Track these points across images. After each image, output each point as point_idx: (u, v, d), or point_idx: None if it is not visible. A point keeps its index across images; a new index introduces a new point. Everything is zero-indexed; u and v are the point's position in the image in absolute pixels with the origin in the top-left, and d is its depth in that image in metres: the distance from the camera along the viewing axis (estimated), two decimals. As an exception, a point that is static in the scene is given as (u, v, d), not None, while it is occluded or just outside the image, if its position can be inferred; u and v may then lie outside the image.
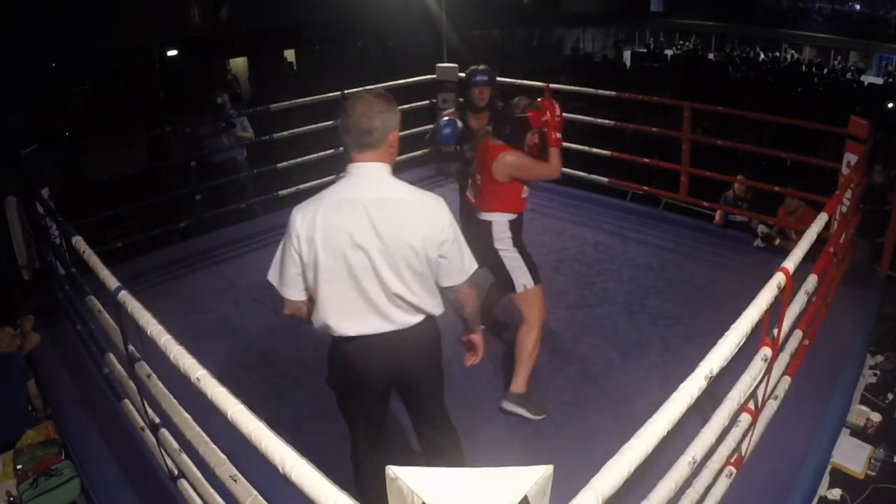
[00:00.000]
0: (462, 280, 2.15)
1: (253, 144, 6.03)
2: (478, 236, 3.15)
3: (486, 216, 3.24)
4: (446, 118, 3.94)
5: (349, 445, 2.43)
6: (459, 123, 3.88)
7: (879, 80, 20.11)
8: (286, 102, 5.63)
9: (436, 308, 2.17)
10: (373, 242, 2.00)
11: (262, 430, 1.48)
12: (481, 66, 4.07)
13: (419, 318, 2.14)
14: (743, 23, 23.80)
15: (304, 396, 3.43)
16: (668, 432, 1.52)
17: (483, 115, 4.06)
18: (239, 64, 15.56)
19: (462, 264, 2.14)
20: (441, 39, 6.76)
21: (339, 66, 15.88)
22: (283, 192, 5.52)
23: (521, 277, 3.24)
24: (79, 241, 2.76)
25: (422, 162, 6.61)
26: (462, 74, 3.87)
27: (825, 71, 20.74)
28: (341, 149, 5.73)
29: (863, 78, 19.92)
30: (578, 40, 25.25)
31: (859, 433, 3.32)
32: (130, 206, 5.03)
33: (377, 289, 2.04)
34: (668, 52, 24.81)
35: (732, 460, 2.48)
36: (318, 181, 5.77)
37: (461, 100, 4.08)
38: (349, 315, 2.08)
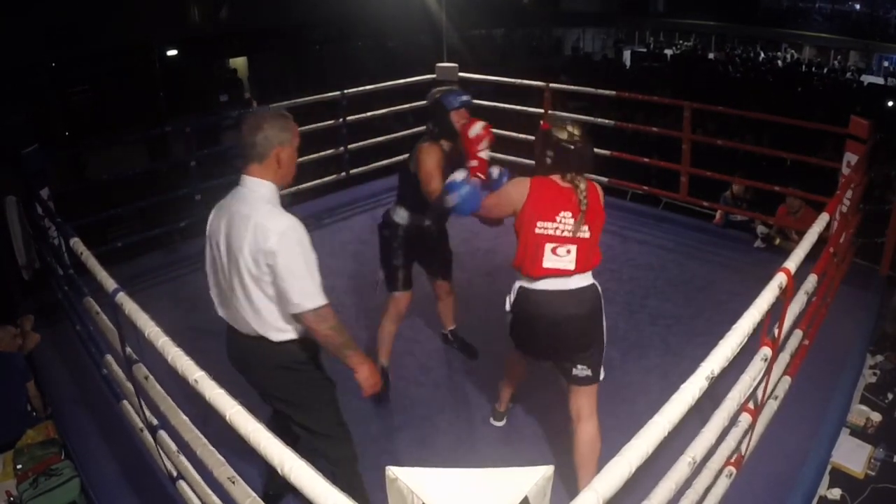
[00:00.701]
0: (296, 311, 2.10)
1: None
2: None
3: None
4: (462, 181, 2.74)
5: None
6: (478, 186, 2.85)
7: (881, 80, 20.12)
8: (286, 102, 5.63)
9: (270, 333, 2.20)
10: (224, 247, 2.21)
11: (261, 431, 1.47)
12: (452, 87, 3.55)
13: (265, 333, 2.19)
14: (743, 23, 23.80)
15: (304, 397, 3.42)
16: (669, 432, 1.51)
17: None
18: (239, 64, 15.55)
19: (291, 295, 2.07)
20: (441, 39, 6.76)
21: (339, 66, 15.87)
22: (282, 192, 5.51)
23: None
24: (77, 243, 2.75)
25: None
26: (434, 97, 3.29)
27: (825, 71, 20.74)
28: (341, 149, 5.74)
29: (863, 77, 19.90)
30: (578, 40, 25.26)
31: (859, 433, 3.31)
32: (130, 206, 5.03)
33: (231, 290, 2.22)
34: (668, 52, 24.81)
35: (732, 460, 2.48)
36: (318, 181, 5.78)
37: (434, 129, 3.26)
38: (220, 305, 2.37)
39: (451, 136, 3.13)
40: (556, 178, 2.51)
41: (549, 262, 2.46)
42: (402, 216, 3.27)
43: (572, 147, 2.46)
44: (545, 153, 2.52)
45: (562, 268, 2.48)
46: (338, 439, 2.41)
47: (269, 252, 2.03)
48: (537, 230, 2.45)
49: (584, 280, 2.59)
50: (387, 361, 3.42)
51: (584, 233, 2.54)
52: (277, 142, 2.12)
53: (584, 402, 2.66)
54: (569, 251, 2.49)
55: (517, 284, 2.59)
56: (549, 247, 2.46)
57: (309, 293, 2.09)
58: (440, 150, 3.11)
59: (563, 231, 2.46)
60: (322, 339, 2.17)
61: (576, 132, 2.48)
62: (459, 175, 2.69)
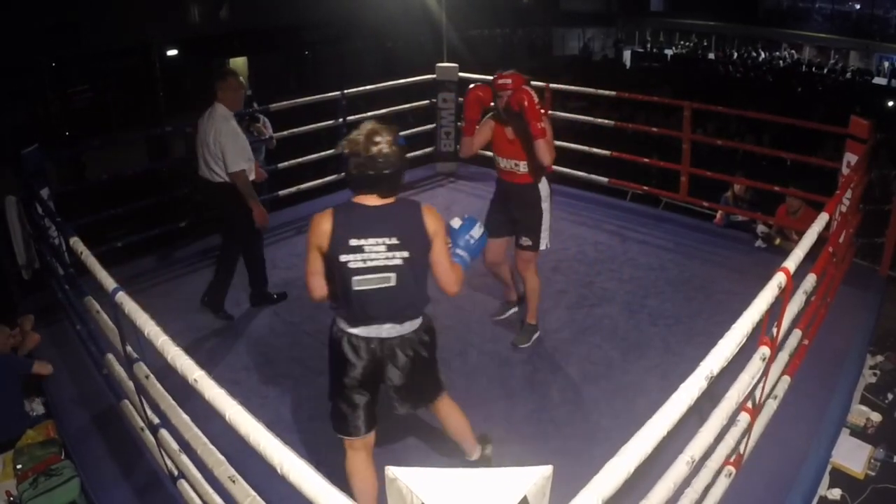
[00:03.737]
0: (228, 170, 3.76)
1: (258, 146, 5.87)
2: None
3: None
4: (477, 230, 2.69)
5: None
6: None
7: (883, 81, 20.13)
8: (286, 102, 5.62)
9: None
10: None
11: (260, 431, 1.47)
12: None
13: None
14: (743, 23, 23.81)
15: (304, 396, 3.42)
16: (668, 432, 1.52)
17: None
18: (239, 64, 15.56)
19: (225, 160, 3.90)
20: (441, 39, 6.76)
21: (339, 66, 15.88)
22: (282, 192, 5.52)
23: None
24: (77, 242, 2.76)
25: (422, 161, 6.62)
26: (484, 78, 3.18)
27: (825, 71, 20.74)
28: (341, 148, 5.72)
29: (861, 78, 19.90)
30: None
31: (859, 433, 3.31)
32: (130, 206, 5.03)
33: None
34: (668, 52, 24.81)
35: (731, 460, 2.48)
36: (318, 181, 5.79)
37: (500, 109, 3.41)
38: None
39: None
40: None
41: None
42: None
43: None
44: None
45: None
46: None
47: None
48: None
49: None
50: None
51: None
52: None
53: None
54: None
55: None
56: None
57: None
58: None
59: None
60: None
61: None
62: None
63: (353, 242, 2.13)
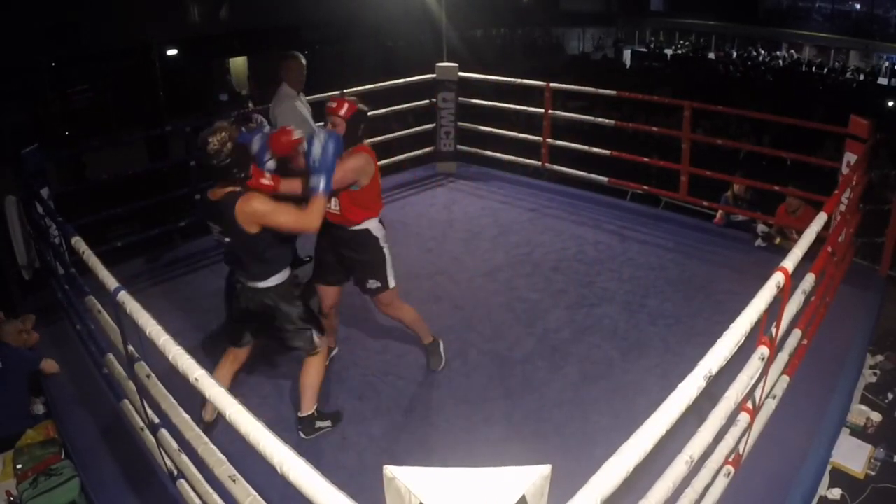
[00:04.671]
0: None
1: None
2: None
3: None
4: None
5: (349, 446, 2.42)
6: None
7: (884, 81, 20.12)
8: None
9: None
10: None
11: (260, 430, 1.48)
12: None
13: None
14: (743, 23, 23.81)
15: (304, 396, 3.43)
16: (667, 431, 1.52)
17: None
18: (239, 64, 15.56)
19: None
20: (441, 39, 6.76)
21: (339, 66, 15.87)
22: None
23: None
24: (78, 242, 2.76)
25: (422, 161, 6.62)
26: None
27: (825, 71, 20.73)
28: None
29: (865, 78, 19.90)
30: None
31: (859, 433, 3.31)
32: (130, 206, 5.03)
33: None
34: (668, 52, 24.81)
35: (731, 460, 2.48)
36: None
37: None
38: None
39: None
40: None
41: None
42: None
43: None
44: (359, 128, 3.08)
45: None
46: None
47: None
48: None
49: None
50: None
51: None
52: None
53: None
54: None
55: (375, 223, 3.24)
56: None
57: None
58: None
59: None
60: None
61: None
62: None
63: (209, 223, 2.81)
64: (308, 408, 3.09)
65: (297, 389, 3.48)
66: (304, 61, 4.38)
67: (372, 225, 3.23)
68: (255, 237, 2.68)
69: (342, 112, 3.02)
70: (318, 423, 3.13)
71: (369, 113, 3.18)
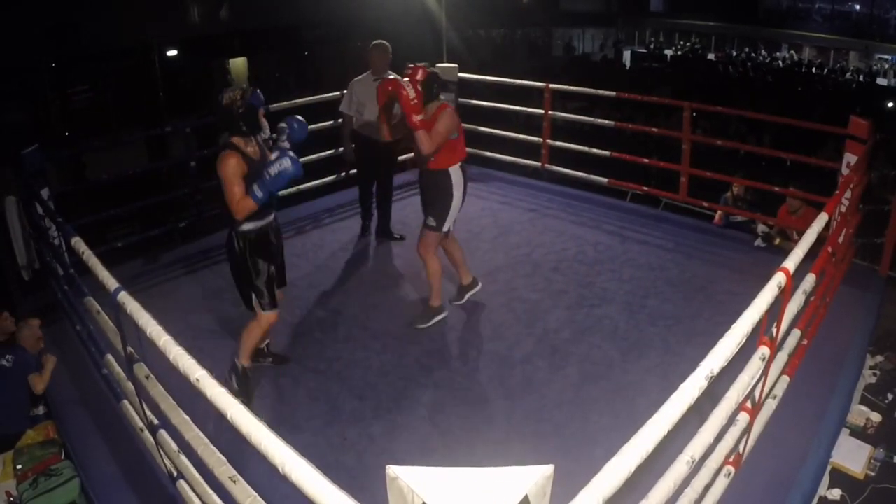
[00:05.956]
0: None
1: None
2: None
3: None
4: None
5: (349, 446, 2.42)
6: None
7: (884, 81, 20.13)
8: (286, 102, 5.62)
9: None
10: None
11: (262, 431, 1.48)
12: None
13: None
14: (743, 23, 23.83)
15: (304, 396, 3.43)
16: (668, 432, 1.52)
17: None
18: (239, 64, 15.55)
19: None
20: (441, 39, 6.75)
21: (339, 66, 15.86)
22: (282, 192, 5.50)
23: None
24: (78, 242, 2.76)
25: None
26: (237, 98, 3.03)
27: (825, 71, 20.74)
28: (341, 149, 5.73)
29: (863, 78, 19.90)
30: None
31: (859, 433, 3.31)
32: (130, 206, 5.03)
33: None
34: (668, 53, 24.81)
35: (731, 460, 2.48)
36: (318, 181, 5.79)
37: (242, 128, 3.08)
38: None
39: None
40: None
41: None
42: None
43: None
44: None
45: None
46: None
47: None
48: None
49: None
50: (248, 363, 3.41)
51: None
52: None
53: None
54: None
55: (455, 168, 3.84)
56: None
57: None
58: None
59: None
60: None
61: None
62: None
63: None
64: (241, 358, 3.36)
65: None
66: (387, 48, 4.95)
67: (452, 170, 3.82)
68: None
69: (418, 76, 3.67)
70: (235, 379, 3.34)
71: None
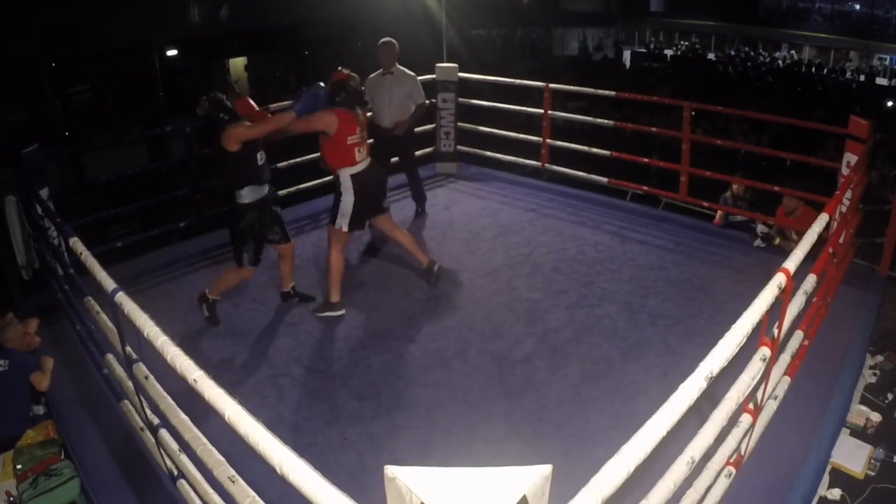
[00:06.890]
0: None
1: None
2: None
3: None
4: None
5: (349, 446, 2.42)
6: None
7: (884, 81, 20.11)
8: (286, 102, 5.61)
9: None
10: None
11: (260, 431, 1.47)
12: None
13: None
14: (743, 23, 23.80)
15: (304, 396, 3.43)
16: (668, 432, 1.51)
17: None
18: (239, 64, 15.54)
19: None
20: (441, 39, 6.75)
21: (339, 66, 15.85)
22: (282, 192, 5.51)
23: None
24: (76, 243, 2.76)
25: (422, 161, 6.61)
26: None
27: (825, 71, 20.73)
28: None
29: (864, 78, 19.89)
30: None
31: (859, 433, 3.31)
32: (130, 206, 5.02)
33: None
34: (668, 52, 24.79)
35: (732, 460, 2.48)
36: (318, 181, 5.78)
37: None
38: None
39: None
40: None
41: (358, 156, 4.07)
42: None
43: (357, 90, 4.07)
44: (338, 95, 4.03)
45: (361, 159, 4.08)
46: None
47: None
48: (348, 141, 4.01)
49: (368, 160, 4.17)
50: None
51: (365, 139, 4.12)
52: None
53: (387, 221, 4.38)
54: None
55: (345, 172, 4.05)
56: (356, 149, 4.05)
57: None
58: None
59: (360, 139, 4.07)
60: None
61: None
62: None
63: None
64: (211, 292, 4.04)
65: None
66: (394, 45, 5.29)
67: (342, 172, 4.05)
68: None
69: (333, 78, 4.10)
70: (205, 307, 4.05)
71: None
